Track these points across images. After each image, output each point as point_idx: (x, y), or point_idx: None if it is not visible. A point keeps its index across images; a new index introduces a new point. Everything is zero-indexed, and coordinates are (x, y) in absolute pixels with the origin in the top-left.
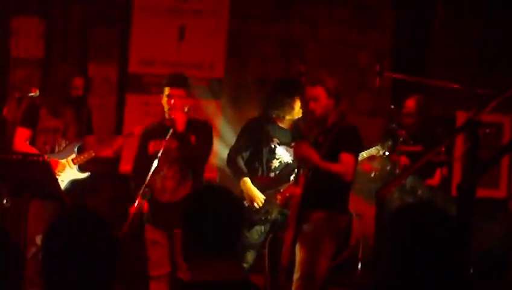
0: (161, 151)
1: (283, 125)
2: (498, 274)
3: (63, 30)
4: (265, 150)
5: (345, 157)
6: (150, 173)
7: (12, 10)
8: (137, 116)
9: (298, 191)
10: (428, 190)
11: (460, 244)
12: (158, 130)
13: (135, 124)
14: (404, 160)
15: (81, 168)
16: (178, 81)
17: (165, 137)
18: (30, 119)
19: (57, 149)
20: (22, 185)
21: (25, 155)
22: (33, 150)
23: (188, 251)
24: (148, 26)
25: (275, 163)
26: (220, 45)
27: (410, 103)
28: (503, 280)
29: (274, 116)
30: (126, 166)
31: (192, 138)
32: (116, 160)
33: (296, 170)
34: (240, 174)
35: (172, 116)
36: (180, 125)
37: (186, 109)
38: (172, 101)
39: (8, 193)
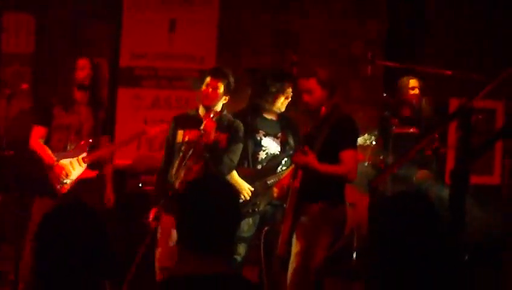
0: (185, 143)
1: (270, 116)
2: (493, 261)
3: (53, 25)
4: (251, 142)
5: (346, 155)
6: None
7: (3, 6)
8: (129, 110)
9: (296, 184)
10: (422, 178)
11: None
12: (188, 120)
13: (127, 118)
14: None
15: (91, 167)
16: (220, 73)
17: (194, 128)
18: (43, 117)
19: (68, 147)
20: (13, 182)
21: (16, 152)
22: (44, 149)
23: (181, 242)
24: (139, 20)
25: (262, 155)
26: (211, 37)
27: (413, 82)
28: (498, 266)
29: (260, 107)
30: (120, 161)
31: (224, 137)
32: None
33: (283, 161)
34: None
35: (202, 128)
36: (211, 136)
37: (212, 115)
38: (210, 90)
39: (0, 190)
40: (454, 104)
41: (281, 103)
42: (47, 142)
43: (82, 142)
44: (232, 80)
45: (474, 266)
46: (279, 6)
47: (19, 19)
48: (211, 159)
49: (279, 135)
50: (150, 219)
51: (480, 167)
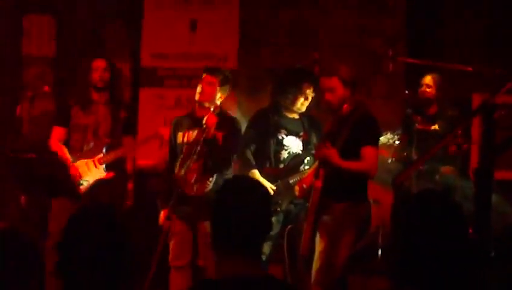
0: (185, 143)
1: (292, 115)
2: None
3: (74, 27)
4: (272, 142)
5: (367, 151)
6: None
7: (24, 8)
8: (151, 111)
9: (318, 183)
10: (446, 175)
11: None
12: (186, 121)
13: (150, 119)
14: None
15: (108, 168)
16: (214, 69)
17: (193, 128)
18: (62, 118)
19: (85, 147)
20: (37, 184)
21: (39, 154)
22: (62, 149)
23: (217, 244)
24: (160, 20)
25: (284, 154)
26: (233, 36)
27: (428, 79)
28: None
29: (282, 106)
30: (142, 161)
31: (220, 135)
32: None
33: (305, 161)
34: (248, 167)
35: (204, 121)
36: (211, 129)
37: (212, 108)
38: (205, 85)
39: (23, 192)
40: (477, 100)
41: (301, 104)
42: (66, 142)
43: (98, 143)
44: (228, 77)
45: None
46: (298, 4)
47: (40, 22)
48: (209, 155)
49: (302, 133)
50: (161, 221)
51: (505, 162)
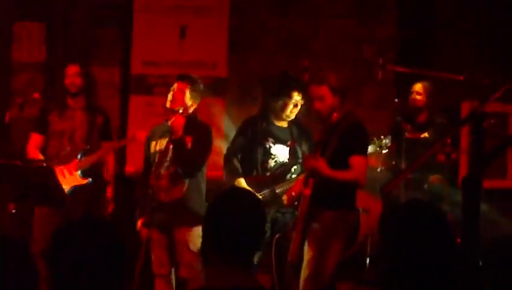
0: (158, 152)
1: (280, 123)
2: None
3: (64, 33)
4: (260, 150)
5: (355, 160)
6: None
7: (14, 15)
8: (141, 118)
9: (307, 191)
10: (435, 183)
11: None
12: (159, 130)
13: (139, 126)
14: None
15: (85, 174)
16: (185, 77)
17: (164, 136)
18: (39, 124)
19: (61, 154)
20: (26, 191)
21: (28, 161)
22: (38, 156)
23: (207, 255)
24: (150, 27)
25: (271, 163)
26: (222, 43)
27: (418, 87)
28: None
29: (270, 114)
30: (131, 167)
31: (189, 140)
32: (120, 161)
33: (292, 169)
34: (234, 175)
35: (170, 123)
36: (179, 130)
37: (181, 110)
38: (176, 92)
39: (13, 199)
40: (466, 108)
41: (290, 111)
42: (44, 149)
43: (74, 149)
44: (198, 84)
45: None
46: (288, 12)
47: (30, 28)
48: (176, 159)
49: (289, 142)
50: (138, 228)
51: (493, 171)
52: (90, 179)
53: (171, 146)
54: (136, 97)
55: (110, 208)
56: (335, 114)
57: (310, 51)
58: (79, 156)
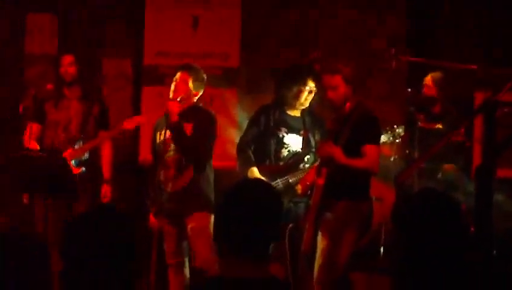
0: (162, 142)
1: (293, 112)
2: None
3: (76, 25)
4: (273, 140)
5: (369, 149)
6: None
7: (26, 7)
8: (153, 109)
9: (321, 181)
10: (448, 173)
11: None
12: (163, 121)
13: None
14: None
15: (79, 164)
16: (188, 67)
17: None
18: (36, 114)
19: (56, 144)
20: (39, 183)
21: (40, 152)
22: (35, 146)
23: (220, 246)
24: (162, 18)
25: (284, 152)
26: (234, 34)
27: (427, 80)
28: None
29: (283, 104)
30: (145, 155)
31: (189, 127)
32: (134, 152)
33: (305, 159)
34: (247, 164)
35: (166, 107)
36: (173, 116)
37: (179, 98)
38: (178, 82)
39: (25, 191)
40: (479, 98)
41: (305, 98)
42: (42, 139)
43: (69, 139)
44: (201, 73)
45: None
46: (299, 3)
47: (42, 20)
48: (177, 146)
49: (302, 131)
50: (151, 221)
51: (507, 160)
52: (84, 169)
53: (168, 133)
54: (148, 88)
55: (109, 196)
56: (348, 104)
57: (321, 42)
58: (74, 146)
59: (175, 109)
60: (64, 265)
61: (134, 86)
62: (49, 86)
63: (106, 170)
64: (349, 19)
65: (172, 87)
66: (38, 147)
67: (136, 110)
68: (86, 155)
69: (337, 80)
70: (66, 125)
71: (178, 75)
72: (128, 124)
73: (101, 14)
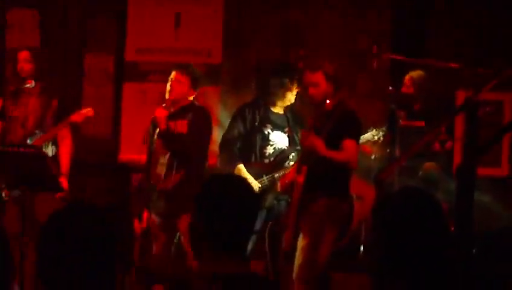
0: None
1: (277, 110)
2: (501, 254)
3: (58, 21)
4: (258, 137)
5: (348, 144)
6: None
7: (8, 2)
8: (134, 105)
9: (300, 179)
10: (429, 171)
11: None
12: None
13: (133, 113)
14: None
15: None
16: (184, 67)
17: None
18: None
19: (14, 139)
20: (19, 178)
21: (20, 148)
22: None
23: (196, 243)
24: (144, 15)
25: (269, 149)
26: (217, 31)
27: (406, 78)
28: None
29: (267, 101)
30: (125, 156)
31: (184, 125)
32: (114, 149)
33: (291, 156)
34: (233, 161)
35: (154, 115)
36: (162, 123)
37: (164, 104)
38: (174, 83)
39: (5, 186)
40: (461, 96)
41: (292, 95)
42: (3, 135)
43: (26, 134)
44: (197, 74)
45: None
46: (284, 1)
47: (23, 15)
48: (168, 150)
49: (287, 129)
50: (135, 225)
51: (488, 159)
52: None
53: (158, 139)
54: (130, 84)
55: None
56: (329, 101)
57: (305, 41)
58: (28, 141)
59: (162, 116)
60: (40, 264)
61: (116, 83)
62: (30, 82)
63: (64, 164)
64: (334, 17)
65: (168, 87)
66: None
67: (117, 107)
68: (53, 152)
69: (318, 77)
70: (23, 121)
71: (173, 74)
72: (76, 117)
73: (84, 10)
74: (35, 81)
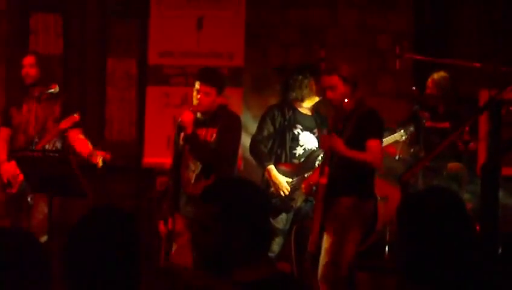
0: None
1: (305, 111)
2: None
3: (81, 25)
4: (288, 137)
5: (372, 144)
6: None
7: (31, 7)
8: (158, 108)
9: (323, 180)
10: (453, 171)
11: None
12: None
13: (157, 116)
14: None
15: None
16: (208, 77)
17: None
18: (4, 118)
19: (17, 146)
20: (44, 182)
21: (45, 152)
22: (3, 150)
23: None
24: (166, 18)
25: (299, 150)
26: (239, 33)
27: (428, 81)
28: None
29: (293, 99)
30: (150, 159)
31: (214, 132)
32: (138, 153)
33: (320, 157)
34: (263, 162)
35: (180, 118)
36: (188, 127)
37: (192, 108)
38: (199, 96)
39: (31, 190)
40: (484, 96)
41: (314, 93)
42: (11, 142)
43: (28, 140)
44: (224, 81)
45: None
46: (306, 1)
47: (47, 20)
48: (194, 155)
49: (315, 130)
50: (160, 228)
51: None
52: None
53: (184, 143)
54: (153, 88)
55: None
56: (347, 102)
57: (327, 41)
58: (32, 147)
59: (189, 119)
60: (67, 268)
61: (139, 86)
62: (53, 86)
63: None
64: (355, 18)
65: (195, 100)
66: (3, 148)
67: (141, 111)
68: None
69: (334, 80)
70: (25, 127)
71: (198, 85)
72: (64, 124)
73: (106, 14)
74: (37, 86)
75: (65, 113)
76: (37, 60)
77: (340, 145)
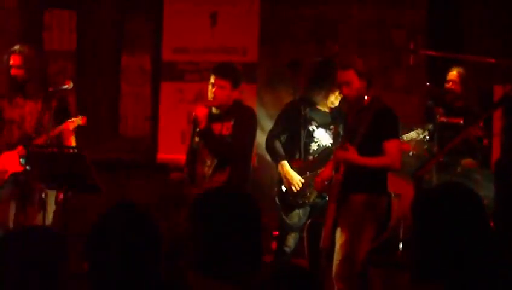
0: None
1: (323, 108)
2: None
3: (95, 22)
4: (303, 133)
5: (390, 145)
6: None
7: (45, 3)
8: (172, 104)
9: (338, 177)
10: (467, 167)
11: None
12: None
13: (171, 112)
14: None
15: (27, 162)
16: (223, 71)
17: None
18: None
19: (11, 141)
20: (58, 178)
21: (60, 148)
22: None
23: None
24: (180, 14)
25: (313, 146)
26: (253, 29)
27: (453, 75)
28: None
29: (313, 99)
30: (164, 154)
31: (229, 125)
32: (152, 149)
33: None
34: (277, 158)
35: (194, 113)
36: (202, 122)
37: (204, 103)
38: (213, 90)
39: (46, 186)
40: (498, 91)
41: (335, 98)
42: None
43: (23, 136)
44: (239, 75)
45: None
46: None
47: (60, 16)
48: (209, 149)
49: (332, 127)
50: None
51: None
52: (28, 167)
53: (198, 138)
54: (167, 84)
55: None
56: (363, 98)
57: (340, 37)
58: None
59: (203, 114)
60: (90, 266)
61: (153, 82)
62: (68, 82)
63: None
64: (369, 13)
65: (210, 93)
66: None
67: (155, 106)
68: None
69: (350, 75)
70: (20, 123)
71: (213, 79)
72: (67, 126)
73: (120, 10)
74: (29, 83)
75: (63, 110)
76: (24, 60)
77: (353, 157)
